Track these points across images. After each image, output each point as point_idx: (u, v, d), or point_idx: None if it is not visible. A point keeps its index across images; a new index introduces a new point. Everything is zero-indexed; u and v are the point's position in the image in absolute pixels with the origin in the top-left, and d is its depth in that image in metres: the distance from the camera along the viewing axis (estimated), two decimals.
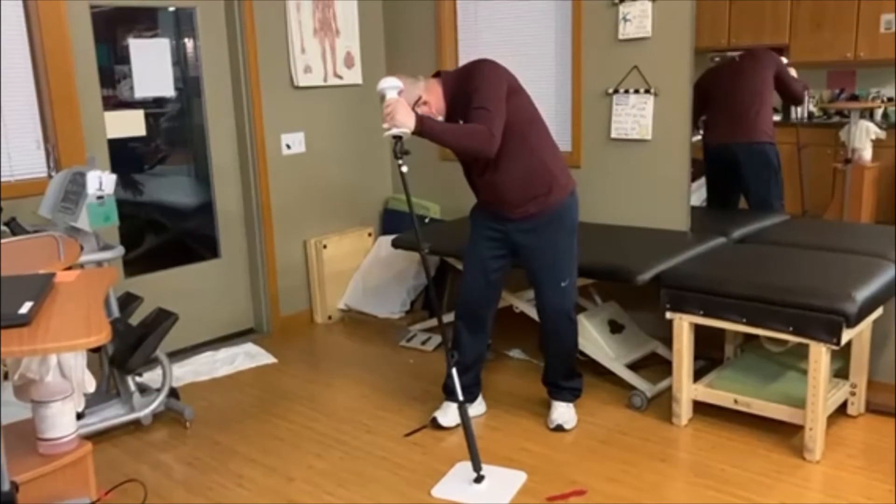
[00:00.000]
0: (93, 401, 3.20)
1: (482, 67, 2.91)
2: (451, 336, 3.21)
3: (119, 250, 3.28)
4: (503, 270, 3.19)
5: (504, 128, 2.84)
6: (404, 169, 2.78)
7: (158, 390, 3.40)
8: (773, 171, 4.06)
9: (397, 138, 2.72)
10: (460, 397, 2.91)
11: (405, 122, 2.69)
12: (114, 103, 3.95)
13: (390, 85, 2.77)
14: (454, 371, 2.95)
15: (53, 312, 1.81)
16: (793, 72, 4.00)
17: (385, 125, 2.72)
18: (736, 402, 3.12)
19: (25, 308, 1.74)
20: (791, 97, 4.07)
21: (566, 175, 3.09)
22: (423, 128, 2.74)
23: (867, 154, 3.85)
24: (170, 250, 4.32)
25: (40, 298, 1.83)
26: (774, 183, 4.07)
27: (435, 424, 3.27)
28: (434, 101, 2.93)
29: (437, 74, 3.05)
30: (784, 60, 4.03)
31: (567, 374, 3.27)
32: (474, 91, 2.83)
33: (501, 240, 3.12)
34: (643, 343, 3.76)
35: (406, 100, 2.80)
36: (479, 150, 2.83)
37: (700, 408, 3.25)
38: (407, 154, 2.75)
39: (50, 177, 3.55)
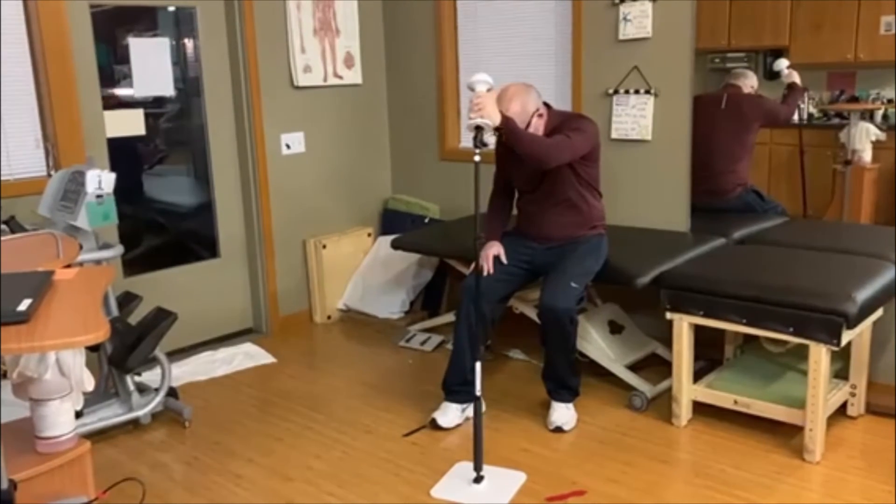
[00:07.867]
0: (91, 400, 3.20)
1: (588, 121, 3.26)
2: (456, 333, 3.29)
3: (118, 249, 3.28)
4: (515, 279, 3.34)
5: (573, 176, 3.24)
6: (477, 159, 2.89)
7: (157, 390, 3.39)
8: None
9: (479, 129, 2.88)
10: (478, 391, 2.92)
11: (492, 116, 2.88)
12: (113, 103, 3.94)
13: (482, 79, 2.93)
14: (478, 365, 2.94)
15: (52, 310, 1.81)
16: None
17: (472, 115, 2.88)
18: (736, 402, 3.12)
19: (24, 305, 1.74)
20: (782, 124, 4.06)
21: (603, 220, 3.44)
22: (507, 124, 2.95)
23: (867, 155, 3.84)
24: (169, 250, 4.32)
25: (39, 296, 1.83)
26: None
27: (434, 425, 3.27)
28: (543, 121, 3.24)
29: (546, 105, 3.31)
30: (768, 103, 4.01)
31: (566, 373, 3.26)
32: (573, 130, 3.14)
33: (527, 261, 3.36)
34: (643, 344, 3.76)
35: (523, 107, 3.13)
36: (543, 156, 3.06)
37: (700, 408, 3.25)
38: (486, 146, 2.91)
39: (49, 175, 3.54)
